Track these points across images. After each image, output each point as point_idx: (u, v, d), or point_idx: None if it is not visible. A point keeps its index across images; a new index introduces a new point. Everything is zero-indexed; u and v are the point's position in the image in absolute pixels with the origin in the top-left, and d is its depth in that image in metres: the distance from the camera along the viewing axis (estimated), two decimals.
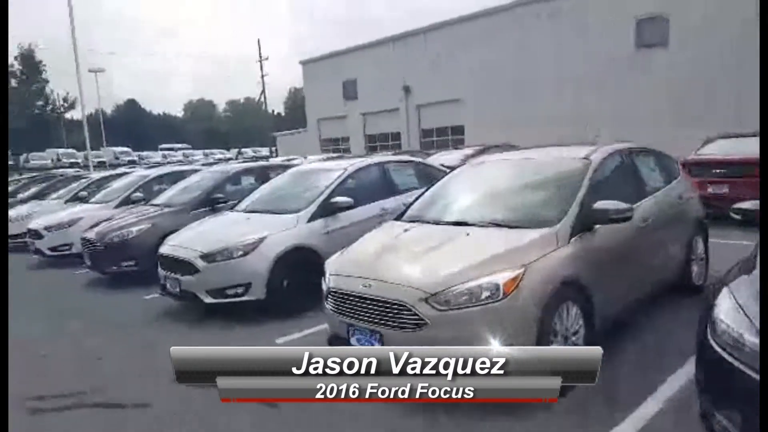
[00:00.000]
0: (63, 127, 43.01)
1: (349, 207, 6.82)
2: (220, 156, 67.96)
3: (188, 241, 6.58)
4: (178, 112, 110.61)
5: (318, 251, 6.20)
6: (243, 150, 65.93)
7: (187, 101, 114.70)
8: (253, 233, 6.28)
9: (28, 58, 37.56)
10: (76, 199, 12.36)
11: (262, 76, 57.47)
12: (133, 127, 60.71)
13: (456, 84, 30.74)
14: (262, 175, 9.66)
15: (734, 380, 2.46)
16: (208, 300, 6.17)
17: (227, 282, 6.11)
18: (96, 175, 14.29)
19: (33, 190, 15.63)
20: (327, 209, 6.72)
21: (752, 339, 2.42)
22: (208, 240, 6.46)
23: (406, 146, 33.70)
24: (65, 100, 38.31)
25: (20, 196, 15.35)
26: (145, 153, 67.51)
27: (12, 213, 12.87)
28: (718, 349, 2.57)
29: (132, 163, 55.47)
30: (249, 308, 6.17)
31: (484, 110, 29.41)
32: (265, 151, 66.54)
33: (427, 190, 5.82)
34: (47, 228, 10.53)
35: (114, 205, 10.62)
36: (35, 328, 6.35)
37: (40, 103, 37.68)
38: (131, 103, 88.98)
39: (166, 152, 71.45)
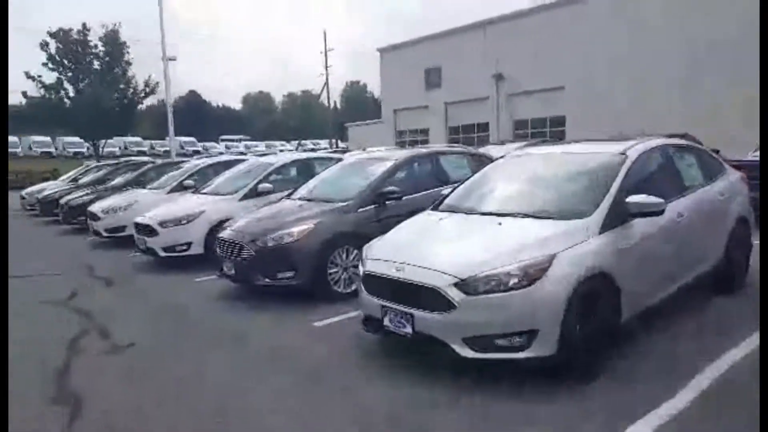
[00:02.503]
0: (138, 115, 45.57)
1: None
2: (281, 148, 71.79)
3: (420, 256, 4.79)
4: (236, 104, 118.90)
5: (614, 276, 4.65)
6: (303, 142, 68.50)
7: (246, 93, 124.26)
8: (537, 248, 4.46)
9: (112, 39, 39.65)
10: (182, 188, 12.35)
11: (326, 67, 59.62)
12: (194, 117, 64.73)
13: (558, 71, 30.82)
14: (432, 163, 8.91)
15: None
16: (468, 353, 4.35)
17: (499, 326, 4.31)
18: (198, 162, 14.53)
19: (123, 178, 16.57)
20: (619, 215, 4.86)
21: None
22: (458, 256, 4.64)
23: (494, 138, 34.09)
24: (147, 84, 40.45)
25: (111, 184, 16.39)
26: (208, 144, 72.03)
27: (106, 203, 12.90)
28: None
29: (197, 153, 59.20)
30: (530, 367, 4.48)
31: (590, 100, 29.33)
32: (324, 143, 69.25)
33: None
34: (162, 223, 9.74)
35: (239, 197, 10.07)
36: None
37: (122, 86, 39.92)
38: (192, 95, 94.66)
39: (228, 143, 76.06)
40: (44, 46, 38.03)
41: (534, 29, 32.34)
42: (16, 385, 4.83)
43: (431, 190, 8.11)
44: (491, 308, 4.30)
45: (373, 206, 7.60)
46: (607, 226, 4.71)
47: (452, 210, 5.78)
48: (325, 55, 60.53)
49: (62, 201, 15.84)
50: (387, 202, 7.64)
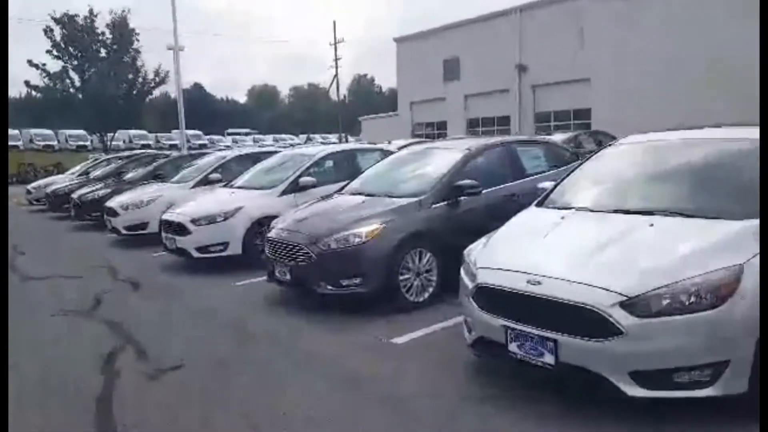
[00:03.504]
0: (146, 106, 44.35)
1: None
2: (290, 141, 71.18)
3: (563, 267, 3.86)
4: (241, 97, 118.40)
5: None
6: (312, 136, 67.82)
7: (251, 86, 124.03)
8: (718, 257, 3.56)
9: (120, 25, 38.10)
10: (207, 182, 11.52)
11: (336, 60, 58.63)
12: (198, 111, 63.96)
13: (585, 62, 29.82)
14: (506, 154, 7.87)
15: None
16: (635, 392, 3.48)
17: (680, 357, 3.43)
18: (223, 154, 13.51)
19: (138, 171, 15.61)
20: None
21: None
22: (616, 267, 3.74)
23: (515, 131, 33.15)
24: (157, 74, 39.19)
25: (127, 177, 15.43)
26: (215, 137, 71.25)
27: (125, 198, 12.07)
28: None
29: (203, 146, 58.23)
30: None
31: (618, 92, 28.37)
32: (333, 137, 68.63)
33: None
34: (195, 221, 8.86)
35: (278, 191, 9.16)
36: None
37: (130, 76, 38.43)
38: (197, 87, 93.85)
39: (235, 137, 75.27)
40: (48, 32, 36.61)
41: (561, 18, 31.33)
42: (53, 418, 4.19)
43: (508, 184, 7.26)
44: (671, 334, 3.37)
45: (446, 202, 6.66)
46: None
47: (568, 207, 4.84)
48: (335, 47, 59.43)
49: (74, 196, 14.93)
50: (461, 198, 6.71)
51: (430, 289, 6.42)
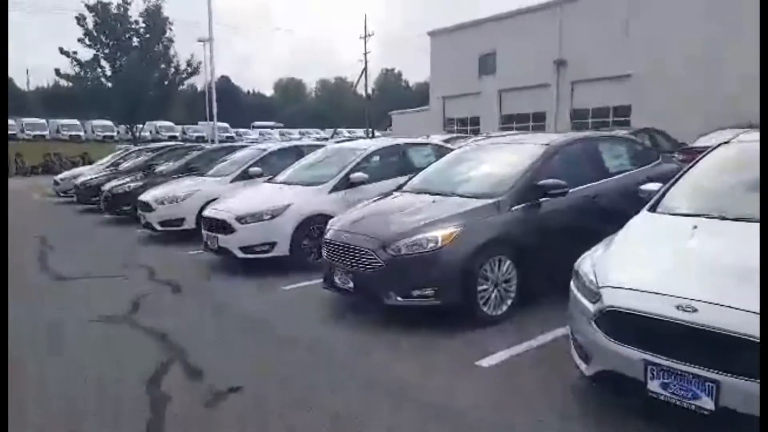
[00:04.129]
0: (178, 97, 43.82)
1: None
2: (317, 136, 70.69)
3: (725, 290, 3.19)
4: (267, 90, 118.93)
5: None
6: (339, 130, 67.37)
7: (277, 80, 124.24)
8: None
9: (154, 14, 37.38)
10: (246, 176, 10.96)
11: (365, 54, 57.86)
12: (225, 103, 63.79)
13: (626, 57, 28.84)
14: (588, 151, 7.17)
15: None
16: None
17: None
18: (262, 147, 12.69)
19: (171, 164, 15.05)
20: None
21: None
22: None
23: (551, 128, 32.27)
24: (189, 64, 38.46)
25: (160, 170, 14.88)
26: (241, 130, 71.02)
27: (159, 192, 11.40)
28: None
29: (230, 139, 57.90)
30: None
31: (659, 89, 27.41)
32: (360, 132, 68.01)
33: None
34: (241, 218, 8.13)
35: (328, 188, 8.55)
36: None
37: (162, 66, 37.82)
38: (224, 80, 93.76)
39: (261, 130, 74.98)
40: (81, 20, 36.10)
41: (604, 12, 30.34)
42: None
43: (591, 184, 6.54)
44: None
45: (526, 204, 5.96)
46: None
47: (695, 214, 4.14)
48: (365, 41, 58.70)
49: (104, 188, 14.43)
50: (542, 200, 6.01)
51: (509, 302, 5.74)
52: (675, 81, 26.80)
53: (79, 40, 36.22)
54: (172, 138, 55.95)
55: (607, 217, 5.02)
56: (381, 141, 10.09)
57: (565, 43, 32.28)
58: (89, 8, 36.41)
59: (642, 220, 4.48)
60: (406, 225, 5.68)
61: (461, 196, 6.16)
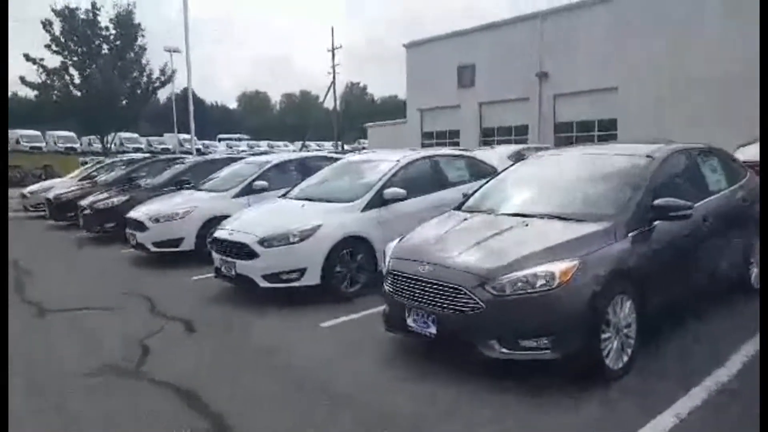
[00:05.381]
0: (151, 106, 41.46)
1: None
2: (284, 148, 69.17)
3: None
4: (231, 103, 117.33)
5: None
6: (307, 143, 66.40)
7: (241, 93, 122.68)
8: None
9: (125, 20, 35.26)
10: (250, 191, 9.84)
11: (333, 66, 56.94)
12: (187, 115, 61.89)
13: (612, 70, 28.28)
14: (688, 166, 6.07)
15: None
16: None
17: None
18: (263, 159, 11.27)
19: (159, 177, 13.45)
20: None
21: None
22: None
23: (533, 141, 31.51)
24: (163, 72, 36.39)
25: (147, 183, 13.33)
26: (207, 142, 68.93)
27: (152, 209, 9.94)
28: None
29: (198, 151, 55.79)
30: None
31: (647, 103, 26.90)
32: (328, 145, 66.81)
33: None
34: (265, 242, 6.82)
35: (361, 206, 7.33)
36: None
37: (135, 74, 35.68)
38: (187, 92, 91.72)
39: (228, 142, 73.06)
40: (47, 25, 33.71)
41: (587, 24, 29.79)
42: None
43: (702, 203, 5.46)
44: None
45: (644, 229, 4.80)
46: None
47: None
48: (333, 53, 57.80)
49: (83, 204, 12.85)
50: (657, 223, 4.87)
51: (629, 351, 4.56)
52: (665, 95, 26.35)
53: (47, 46, 33.75)
54: (138, 150, 53.67)
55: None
56: (414, 153, 8.81)
57: (547, 56, 31.65)
58: (56, 13, 34.13)
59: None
60: (507, 256, 4.46)
61: (561, 218, 4.98)
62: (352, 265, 7.04)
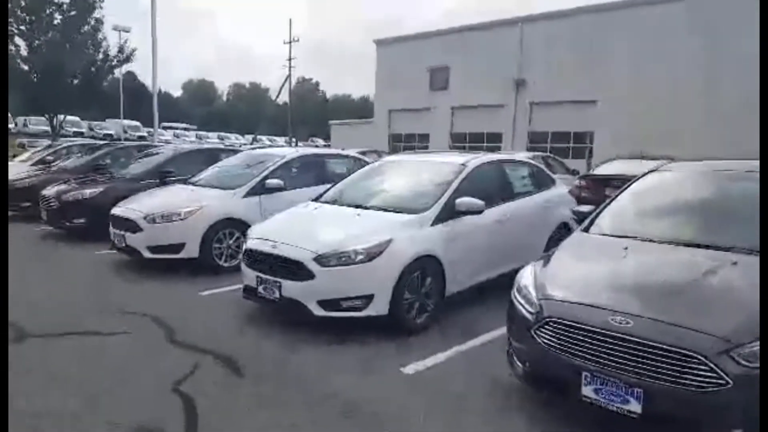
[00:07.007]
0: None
1: None
2: (235, 141, 66.69)
3: None
4: (175, 90, 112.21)
5: None
6: (259, 137, 64.67)
7: (186, 80, 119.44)
8: None
9: None
10: (262, 190, 8.48)
11: (290, 59, 55.53)
12: (132, 101, 58.35)
13: (592, 83, 27.85)
14: None
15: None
16: None
17: None
18: (274, 152, 9.78)
19: (136, 167, 11.72)
20: None
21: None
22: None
23: (507, 149, 30.91)
24: (121, 50, 33.39)
25: (124, 174, 11.42)
26: (152, 129, 65.56)
27: (144, 206, 8.32)
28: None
29: (142, 138, 52.70)
30: None
31: (627, 118, 26.59)
32: (281, 140, 65.01)
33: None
34: (323, 259, 5.44)
35: (431, 217, 6.03)
36: None
37: (89, 50, 32.28)
38: (131, 77, 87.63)
39: (175, 131, 69.93)
40: None
41: (567, 33, 29.30)
42: None
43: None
44: None
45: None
46: None
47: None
48: (290, 46, 56.39)
49: (47, 194, 10.99)
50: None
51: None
52: (646, 110, 26.12)
53: None
54: (78, 134, 50.15)
55: None
56: (479, 157, 7.31)
57: (525, 63, 31.07)
58: None
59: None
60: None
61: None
62: (421, 291, 5.73)
